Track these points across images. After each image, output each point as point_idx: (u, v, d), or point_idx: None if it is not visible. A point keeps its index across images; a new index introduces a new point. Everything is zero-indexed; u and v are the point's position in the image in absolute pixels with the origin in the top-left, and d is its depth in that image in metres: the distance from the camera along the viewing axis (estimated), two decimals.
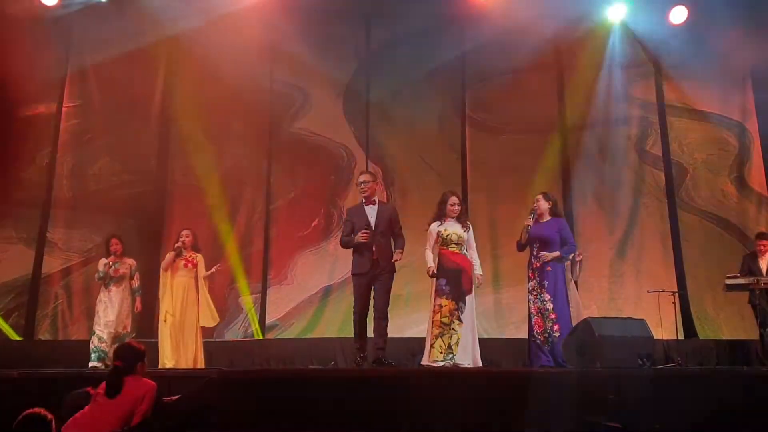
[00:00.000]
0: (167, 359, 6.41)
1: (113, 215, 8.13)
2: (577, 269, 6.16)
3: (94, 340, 6.71)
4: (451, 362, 5.42)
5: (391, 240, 5.76)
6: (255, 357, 7.46)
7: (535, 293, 5.82)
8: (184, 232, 6.76)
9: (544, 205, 5.97)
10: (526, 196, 8.34)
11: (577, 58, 8.82)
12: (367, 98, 8.85)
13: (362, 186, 5.80)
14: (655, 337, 5.58)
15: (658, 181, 8.58)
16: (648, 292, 7.26)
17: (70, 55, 8.64)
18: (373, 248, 5.58)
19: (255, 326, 8.16)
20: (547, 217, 5.97)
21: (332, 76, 8.86)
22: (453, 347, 5.46)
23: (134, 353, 4.05)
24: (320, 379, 4.84)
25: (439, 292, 5.59)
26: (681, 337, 7.53)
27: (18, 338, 7.68)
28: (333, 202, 8.55)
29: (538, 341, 5.73)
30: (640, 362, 5.12)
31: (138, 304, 6.96)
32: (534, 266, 5.87)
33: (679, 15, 8.55)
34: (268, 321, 8.21)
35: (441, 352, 5.45)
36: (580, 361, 5.24)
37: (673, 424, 4.36)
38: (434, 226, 5.73)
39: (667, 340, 7.14)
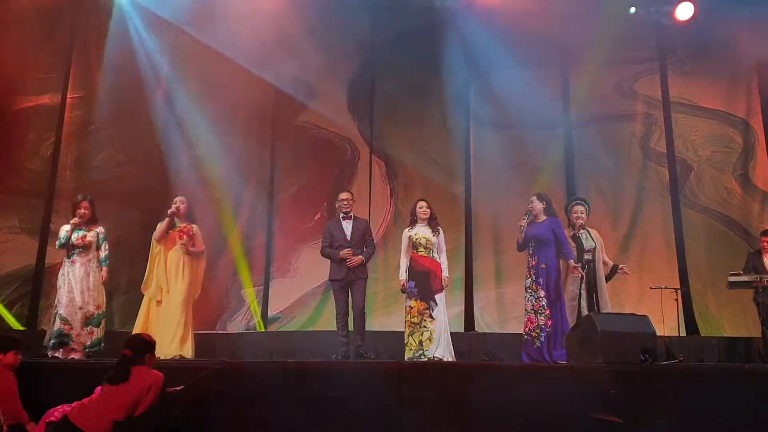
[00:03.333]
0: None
1: (116, 206, 8.11)
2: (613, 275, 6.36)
3: (56, 323, 5.81)
4: (422, 357, 5.84)
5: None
6: (257, 349, 7.47)
7: (530, 290, 6.07)
8: (178, 198, 6.22)
9: (538, 206, 6.24)
10: (529, 192, 8.38)
11: (582, 54, 8.78)
12: (372, 92, 8.85)
13: (345, 203, 6.47)
14: (657, 334, 5.59)
15: (662, 178, 8.57)
16: (651, 288, 7.24)
17: (75, 45, 8.64)
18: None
19: (257, 318, 8.17)
20: (542, 217, 6.22)
21: (337, 70, 8.86)
22: (424, 343, 5.92)
23: (145, 344, 4.09)
24: (321, 371, 4.86)
25: (408, 294, 6.07)
26: (683, 333, 7.53)
27: (21, 328, 7.69)
28: (336, 196, 8.51)
29: (524, 339, 6.05)
30: (643, 358, 5.13)
31: (104, 274, 6.04)
32: (530, 264, 6.12)
33: (685, 11, 8.52)
34: (270, 313, 8.22)
35: (411, 349, 5.92)
36: (582, 356, 5.25)
37: (675, 420, 4.37)
38: (406, 232, 6.28)
39: (669, 337, 7.14)
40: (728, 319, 8.04)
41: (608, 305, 6.13)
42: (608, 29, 8.54)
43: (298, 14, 8.49)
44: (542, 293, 5.98)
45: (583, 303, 6.06)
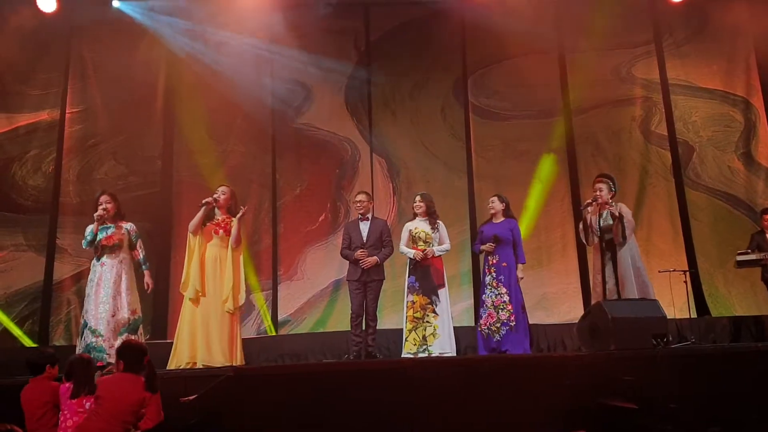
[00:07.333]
0: (182, 353, 5.42)
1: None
2: (621, 230, 5.97)
3: (87, 336, 5.34)
4: (426, 353, 5.90)
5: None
6: (269, 353, 7.48)
7: (491, 287, 6.25)
8: (220, 189, 5.73)
9: (498, 206, 6.43)
10: (532, 181, 8.40)
11: (578, 40, 8.76)
12: (369, 90, 8.83)
13: (358, 204, 6.47)
14: (668, 317, 5.58)
15: (665, 160, 8.54)
16: (659, 272, 7.22)
17: (71, 60, 8.65)
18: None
19: (267, 322, 8.19)
20: (500, 218, 6.43)
21: (333, 69, 8.83)
22: (428, 338, 5.99)
23: (143, 351, 4.02)
24: (336, 373, 4.87)
25: (410, 289, 6.17)
26: (694, 315, 7.52)
27: (33, 345, 7.71)
28: (339, 196, 8.55)
29: (483, 332, 6.21)
30: (655, 342, 5.12)
31: (148, 279, 5.65)
32: (491, 263, 6.30)
33: None
34: (280, 317, 8.23)
35: (414, 344, 6.00)
36: (594, 343, 5.25)
37: (690, 403, 4.36)
38: (407, 225, 6.40)
39: (680, 319, 7.12)
40: (738, 299, 8.02)
41: (634, 284, 5.86)
42: (603, 14, 8.51)
43: (292, 15, 8.48)
44: (504, 290, 6.19)
45: (608, 286, 5.90)
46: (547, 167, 8.49)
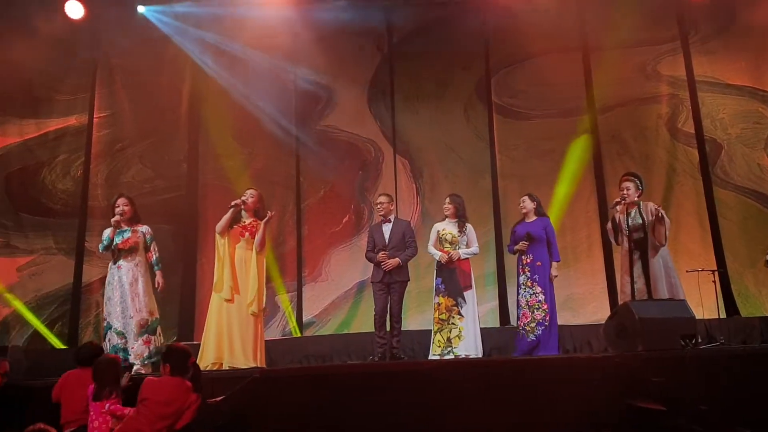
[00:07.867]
0: (208, 354, 5.45)
1: (147, 221, 8.19)
2: (664, 231, 5.90)
3: (111, 338, 5.47)
4: (451, 355, 5.90)
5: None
6: (294, 354, 7.52)
7: (525, 287, 6.22)
8: (248, 191, 5.78)
9: (530, 205, 6.38)
10: (557, 181, 8.33)
11: (603, 38, 8.67)
12: (392, 91, 8.85)
13: (378, 207, 6.47)
14: (696, 317, 5.49)
15: (692, 158, 8.40)
16: (687, 271, 7.11)
17: (98, 65, 8.80)
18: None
19: (292, 324, 8.24)
20: (532, 217, 6.36)
21: (356, 72, 8.89)
22: (453, 340, 6.00)
23: (188, 353, 4.08)
24: (361, 374, 4.88)
25: (436, 291, 6.19)
26: (723, 315, 7.39)
27: (63, 347, 7.85)
28: (363, 198, 8.58)
29: (520, 332, 6.19)
30: (683, 343, 5.05)
31: (159, 278, 5.70)
32: (524, 262, 6.25)
33: None
34: (305, 318, 8.29)
35: (439, 346, 6.04)
36: (621, 344, 5.18)
37: (719, 404, 4.29)
38: (436, 225, 6.42)
39: (708, 320, 7.01)
40: None
41: (665, 286, 5.77)
42: (627, 11, 8.41)
43: (314, 19, 8.53)
44: (539, 289, 6.16)
45: (637, 286, 5.80)
46: (580, 146, 8.42)
